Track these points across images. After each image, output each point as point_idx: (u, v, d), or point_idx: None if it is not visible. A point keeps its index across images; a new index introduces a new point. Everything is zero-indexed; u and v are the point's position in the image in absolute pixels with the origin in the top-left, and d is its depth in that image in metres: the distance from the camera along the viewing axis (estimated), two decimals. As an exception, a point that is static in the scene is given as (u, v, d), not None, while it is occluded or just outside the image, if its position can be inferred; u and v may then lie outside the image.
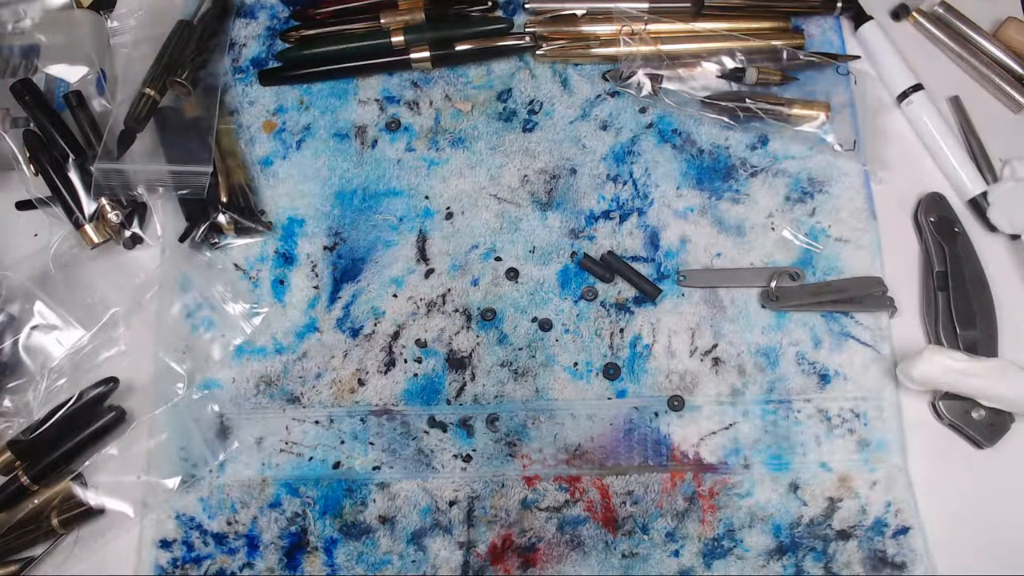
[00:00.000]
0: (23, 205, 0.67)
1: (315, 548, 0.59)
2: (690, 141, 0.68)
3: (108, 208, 0.65)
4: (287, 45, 0.73)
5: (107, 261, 0.67)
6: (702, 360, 0.62)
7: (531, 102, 0.70)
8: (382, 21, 0.71)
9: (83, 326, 0.63)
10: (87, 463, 0.60)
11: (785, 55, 0.68)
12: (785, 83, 0.68)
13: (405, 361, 0.63)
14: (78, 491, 0.59)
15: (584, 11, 0.70)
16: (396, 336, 0.64)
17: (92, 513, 0.59)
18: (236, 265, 0.66)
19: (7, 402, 0.61)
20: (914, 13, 0.71)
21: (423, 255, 0.66)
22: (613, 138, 0.68)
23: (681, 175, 0.67)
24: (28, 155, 0.65)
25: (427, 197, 0.67)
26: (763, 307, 0.63)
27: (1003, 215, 0.64)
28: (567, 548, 0.58)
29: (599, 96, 0.70)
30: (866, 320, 0.62)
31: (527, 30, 0.71)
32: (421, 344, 0.63)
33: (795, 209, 0.65)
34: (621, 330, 0.63)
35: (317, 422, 0.62)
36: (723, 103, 0.67)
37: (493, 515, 0.59)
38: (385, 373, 0.63)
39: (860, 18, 0.71)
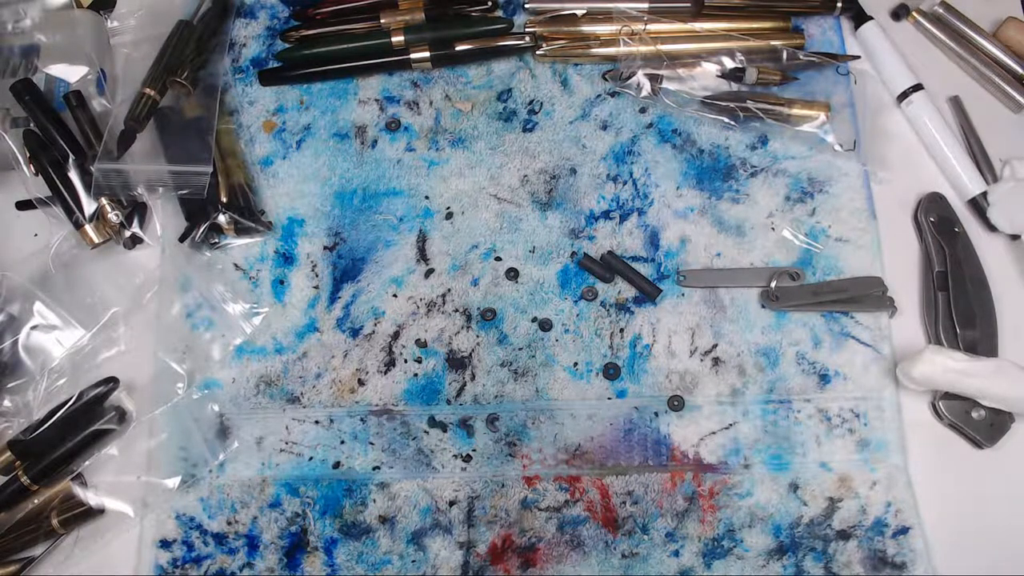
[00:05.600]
0: (23, 205, 0.67)
1: (315, 548, 0.59)
2: (690, 141, 0.68)
3: (108, 208, 0.65)
4: (287, 45, 0.73)
5: (107, 261, 0.67)
6: (702, 360, 0.62)
7: (531, 102, 0.70)
8: (382, 21, 0.71)
9: (83, 326, 0.63)
10: (87, 463, 0.60)
11: (785, 55, 0.68)
12: (785, 83, 0.68)
13: (405, 361, 0.63)
14: (78, 491, 0.59)
15: (584, 11, 0.70)
16: (396, 336, 0.64)
17: (92, 513, 0.59)
18: (236, 265, 0.66)
19: (7, 402, 0.61)
20: (914, 13, 0.71)
21: (423, 255, 0.66)
22: (613, 138, 0.68)
23: (681, 175, 0.67)
24: (28, 155, 0.65)
25: (427, 197, 0.67)
26: (763, 307, 0.63)
27: (1003, 215, 0.64)
28: (567, 548, 0.58)
29: (599, 96, 0.70)
30: (866, 320, 0.62)
31: (527, 30, 0.71)
32: (421, 344, 0.63)
33: (795, 209, 0.65)
34: (621, 330, 0.63)
35: (317, 422, 0.62)
36: (723, 103, 0.67)
37: (493, 515, 0.59)
38: (385, 373, 0.63)
39: (860, 18, 0.71)
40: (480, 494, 0.60)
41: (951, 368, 0.57)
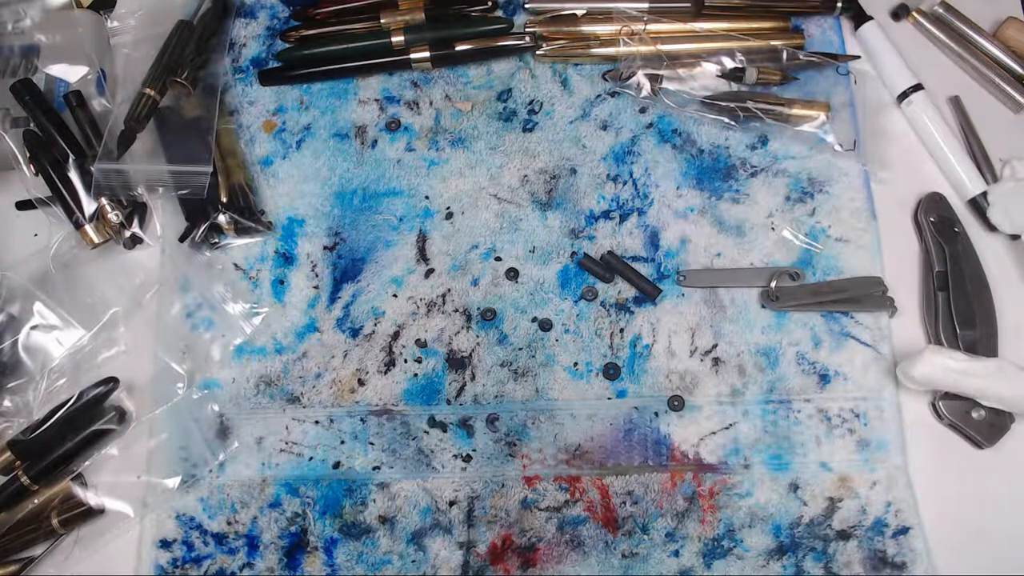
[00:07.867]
0: (23, 205, 0.67)
1: (315, 548, 0.59)
2: (690, 141, 0.68)
3: (108, 208, 0.65)
4: (287, 45, 0.73)
5: (107, 261, 0.67)
6: (702, 360, 0.62)
7: (531, 102, 0.70)
8: (382, 21, 0.71)
9: (83, 326, 0.63)
10: (87, 463, 0.60)
11: (785, 55, 0.68)
12: (785, 83, 0.68)
13: (405, 361, 0.63)
14: (78, 491, 0.59)
15: (584, 11, 0.70)
16: (396, 336, 0.64)
17: (92, 513, 0.59)
18: (236, 265, 0.66)
19: (7, 402, 0.61)
20: (914, 13, 0.71)
21: (423, 255, 0.66)
22: (613, 138, 0.68)
23: (681, 175, 0.67)
24: (28, 155, 0.65)
25: (427, 197, 0.67)
26: (763, 307, 0.63)
27: (1003, 215, 0.64)
28: (567, 548, 0.58)
29: (599, 96, 0.70)
30: (866, 320, 0.62)
31: (527, 30, 0.71)
32: (421, 344, 0.63)
33: (795, 209, 0.65)
34: (621, 330, 0.63)
35: (317, 422, 0.62)
36: (723, 103, 0.67)
37: (493, 515, 0.59)
38: (385, 373, 0.63)
39: (860, 18, 0.71)
40: (480, 494, 0.60)
41: (951, 368, 0.57)
